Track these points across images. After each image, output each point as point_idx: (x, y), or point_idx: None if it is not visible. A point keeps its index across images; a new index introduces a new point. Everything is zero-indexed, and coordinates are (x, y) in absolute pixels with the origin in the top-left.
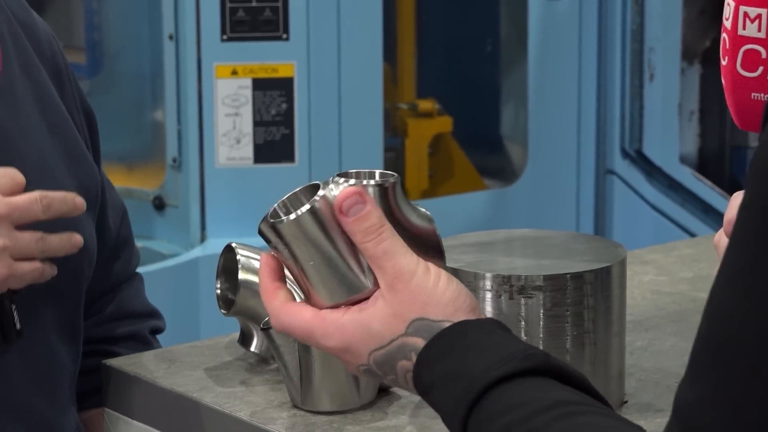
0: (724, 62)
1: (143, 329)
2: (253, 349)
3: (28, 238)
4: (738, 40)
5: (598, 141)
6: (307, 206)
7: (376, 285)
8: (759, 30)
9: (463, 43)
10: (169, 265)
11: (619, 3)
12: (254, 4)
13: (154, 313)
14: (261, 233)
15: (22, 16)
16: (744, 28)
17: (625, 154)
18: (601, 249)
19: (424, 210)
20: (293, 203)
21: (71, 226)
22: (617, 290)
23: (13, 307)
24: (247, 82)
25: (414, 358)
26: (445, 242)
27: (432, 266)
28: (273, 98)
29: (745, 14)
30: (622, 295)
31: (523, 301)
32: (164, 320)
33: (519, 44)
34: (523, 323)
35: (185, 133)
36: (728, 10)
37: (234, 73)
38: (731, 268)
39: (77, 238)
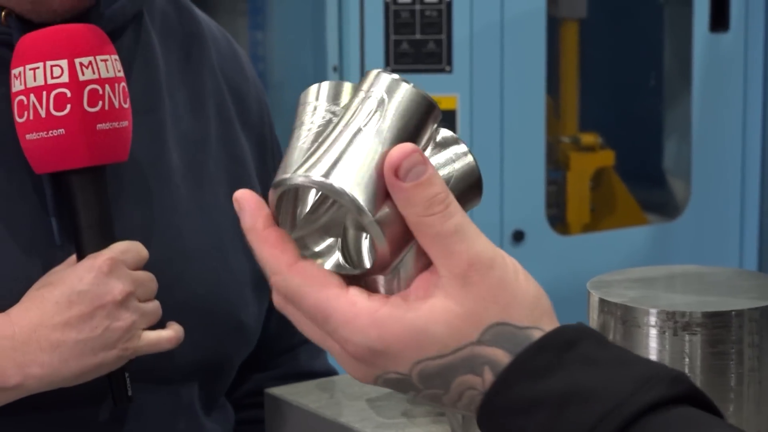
0: None
1: None
2: None
3: (144, 277)
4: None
5: (762, 176)
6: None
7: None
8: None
9: (626, 76)
10: None
11: None
12: (418, 36)
13: (331, 373)
14: (367, 73)
15: (235, 83)
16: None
17: None
18: (766, 286)
19: (451, 133)
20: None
21: (235, 309)
22: None
23: (126, 374)
24: None
25: (487, 373)
26: (608, 277)
27: (506, 255)
28: None
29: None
30: None
31: (687, 337)
32: None
33: (682, 77)
34: (687, 360)
35: None
36: None
37: None
38: None
39: (177, 332)
